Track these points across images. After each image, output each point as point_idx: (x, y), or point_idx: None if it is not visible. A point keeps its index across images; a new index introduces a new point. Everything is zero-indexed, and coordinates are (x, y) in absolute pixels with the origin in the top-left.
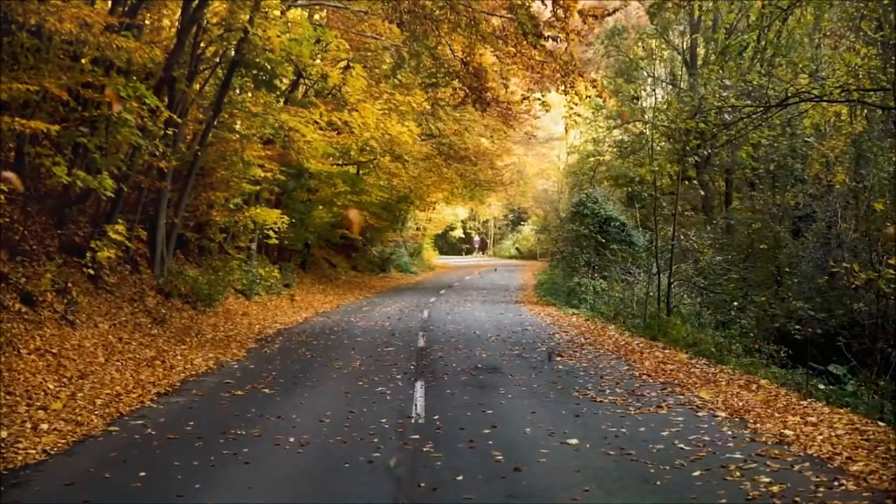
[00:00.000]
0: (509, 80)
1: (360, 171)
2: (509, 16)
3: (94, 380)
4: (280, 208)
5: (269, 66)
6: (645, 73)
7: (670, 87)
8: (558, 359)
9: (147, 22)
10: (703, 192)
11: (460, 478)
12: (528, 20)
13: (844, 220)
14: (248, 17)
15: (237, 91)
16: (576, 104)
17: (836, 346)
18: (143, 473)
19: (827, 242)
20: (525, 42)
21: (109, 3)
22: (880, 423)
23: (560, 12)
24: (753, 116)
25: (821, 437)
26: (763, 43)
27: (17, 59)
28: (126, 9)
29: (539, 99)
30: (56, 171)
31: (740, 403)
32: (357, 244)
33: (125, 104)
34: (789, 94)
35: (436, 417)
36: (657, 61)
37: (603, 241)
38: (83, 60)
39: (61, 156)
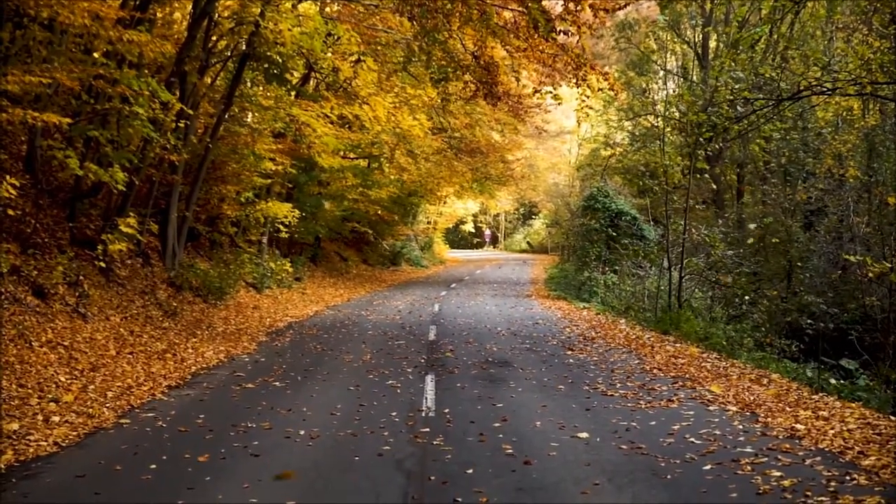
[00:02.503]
0: (520, 73)
1: (371, 165)
2: (521, 9)
3: (106, 372)
4: (291, 202)
5: (280, 60)
6: (656, 66)
7: (682, 79)
8: (569, 352)
9: (159, 15)
10: (714, 186)
11: (470, 471)
12: (540, 14)
13: (857, 214)
14: (259, 10)
15: (248, 84)
16: (587, 97)
17: (848, 340)
18: (153, 466)
19: (839, 236)
20: (536, 36)
21: None
22: (892, 418)
23: (571, 6)
24: (765, 109)
25: (832, 431)
26: (775, 36)
27: (29, 52)
28: (137, 2)
29: (550, 92)
30: (69, 164)
31: (751, 398)
32: (368, 238)
33: (137, 98)
34: (801, 87)
35: (446, 411)
36: (669, 54)
37: (614, 234)
38: (95, 54)
39: (73, 149)
